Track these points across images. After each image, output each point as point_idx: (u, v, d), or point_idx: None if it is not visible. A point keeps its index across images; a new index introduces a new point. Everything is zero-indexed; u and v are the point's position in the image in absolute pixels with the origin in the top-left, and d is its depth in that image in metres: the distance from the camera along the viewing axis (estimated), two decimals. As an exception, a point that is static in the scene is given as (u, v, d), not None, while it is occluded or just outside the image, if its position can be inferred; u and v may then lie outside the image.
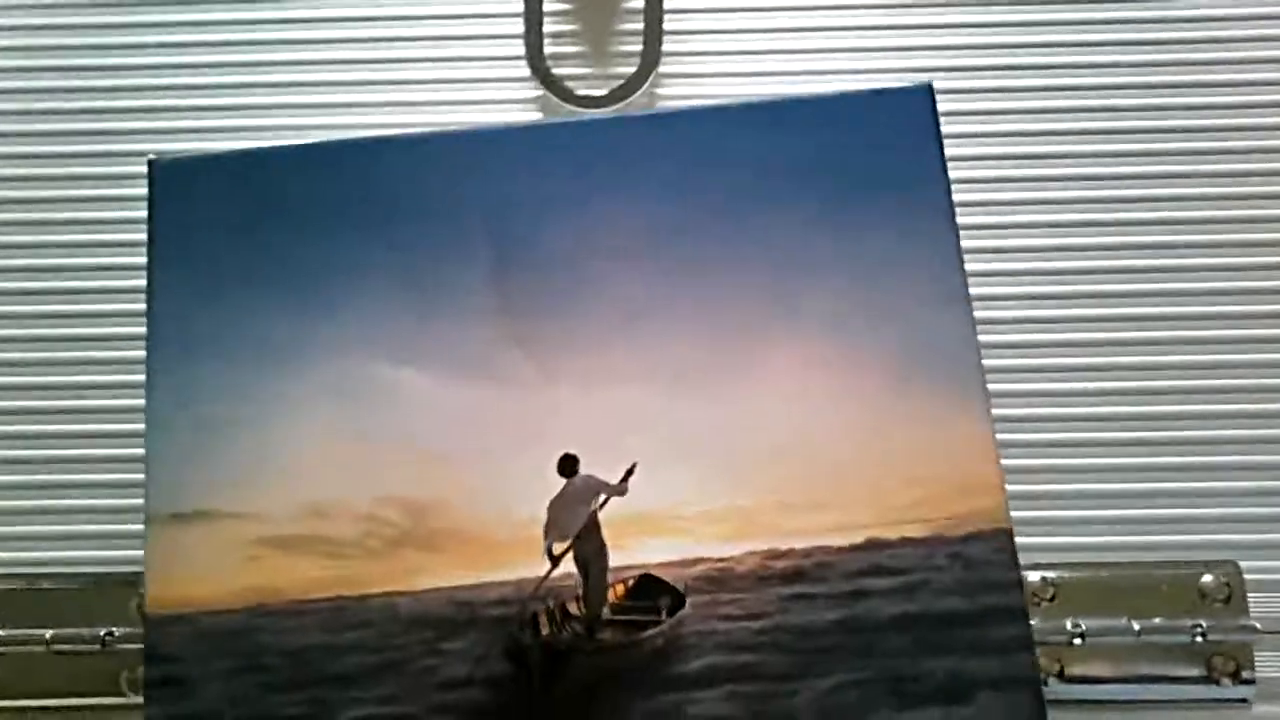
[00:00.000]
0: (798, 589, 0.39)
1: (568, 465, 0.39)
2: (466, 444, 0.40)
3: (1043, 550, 0.48)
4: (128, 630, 0.51)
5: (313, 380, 0.40)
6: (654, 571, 0.39)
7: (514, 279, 0.41)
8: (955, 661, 0.37)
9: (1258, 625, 0.46)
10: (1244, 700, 0.46)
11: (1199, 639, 0.45)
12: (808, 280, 0.40)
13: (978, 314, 0.40)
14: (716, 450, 0.39)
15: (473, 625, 0.39)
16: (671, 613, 0.39)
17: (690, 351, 0.40)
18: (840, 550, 0.39)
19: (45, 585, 0.53)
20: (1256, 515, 0.49)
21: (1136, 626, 0.45)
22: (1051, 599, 0.46)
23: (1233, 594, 0.46)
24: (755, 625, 0.39)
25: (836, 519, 0.39)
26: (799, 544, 0.39)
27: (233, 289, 0.41)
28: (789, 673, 0.38)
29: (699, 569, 0.39)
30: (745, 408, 0.40)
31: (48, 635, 0.52)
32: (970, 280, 0.40)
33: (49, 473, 0.56)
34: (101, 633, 0.51)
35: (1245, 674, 0.45)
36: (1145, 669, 0.45)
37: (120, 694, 0.52)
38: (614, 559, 0.39)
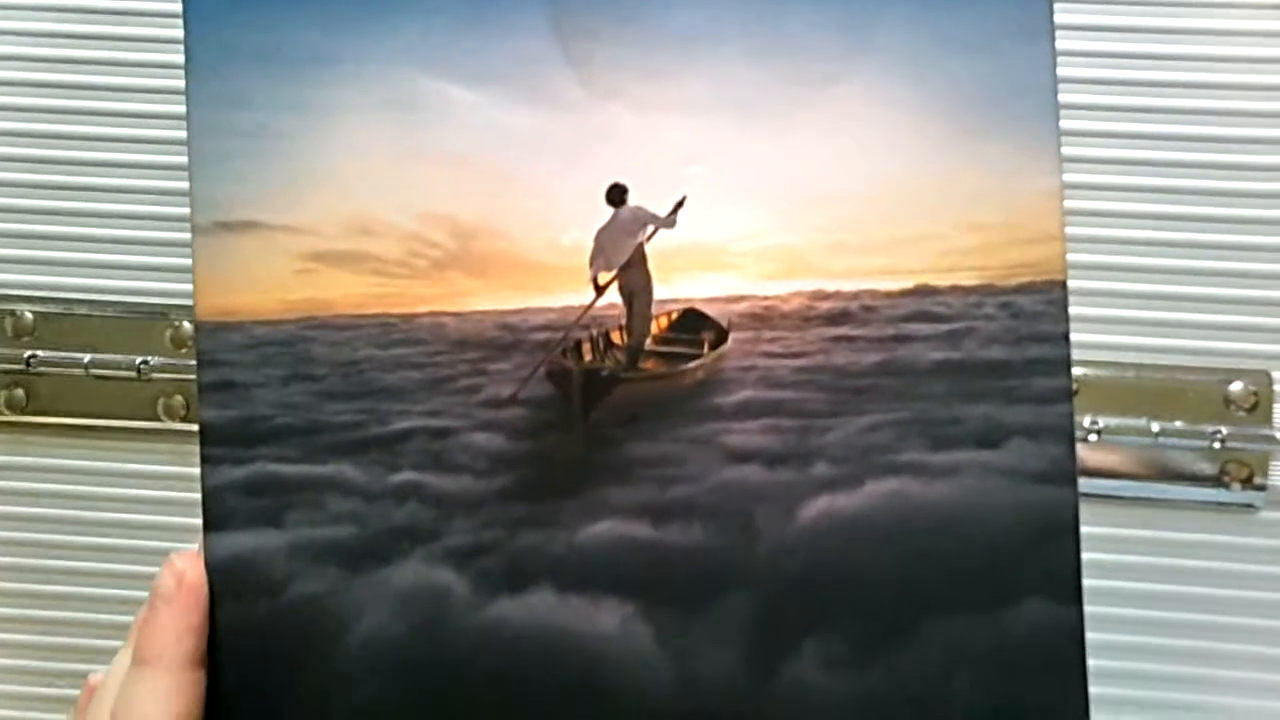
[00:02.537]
0: (841, 330, 0.38)
1: (616, 194, 0.38)
2: (514, 165, 0.38)
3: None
4: (162, 360, 0.53)
5: (358, 91, 0.39)
6: (699, 306, 0.39)
7: (569, -8, 0.38)
8: (992, 408, 0.37)
9: (1278, 435, 0.46)
10: (1251, 506, 0.46)
11: (1216, 444, 0.45)
12: (881, 9, 0.38)
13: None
14: (770, 187, 0.38)
15: (517, 348, 0.39)
16: (714, 347, 0.39)
17: (751, 83, 0.38)
18: (888, 294, 0.38)
19: (81, 311, 0.55)
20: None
21: (1156, 428, 0.44)
22: (1075, 393, 0.46)
23: (1259, 403, 0.45)
24: (795, 363, 0.39)
25: (887, 263, 0.38)
26: (846, 286, 0.38)
27: (271, -8, 0.39)
28: (825, 410, 0.38)
29: (744, 305, 0.38)
30: (804, 145, 0.38)
31: (86, 360, 0.53)
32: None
33: (83, 199, 0.56)
34: (137, 360, 0.52)
35: (1258, 480, 0.45)
36: (1158, 468, 0.45)
37: (156, 418, 0.54)
38: (659, 292, 0.38)
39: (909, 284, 0.38)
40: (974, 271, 0.37)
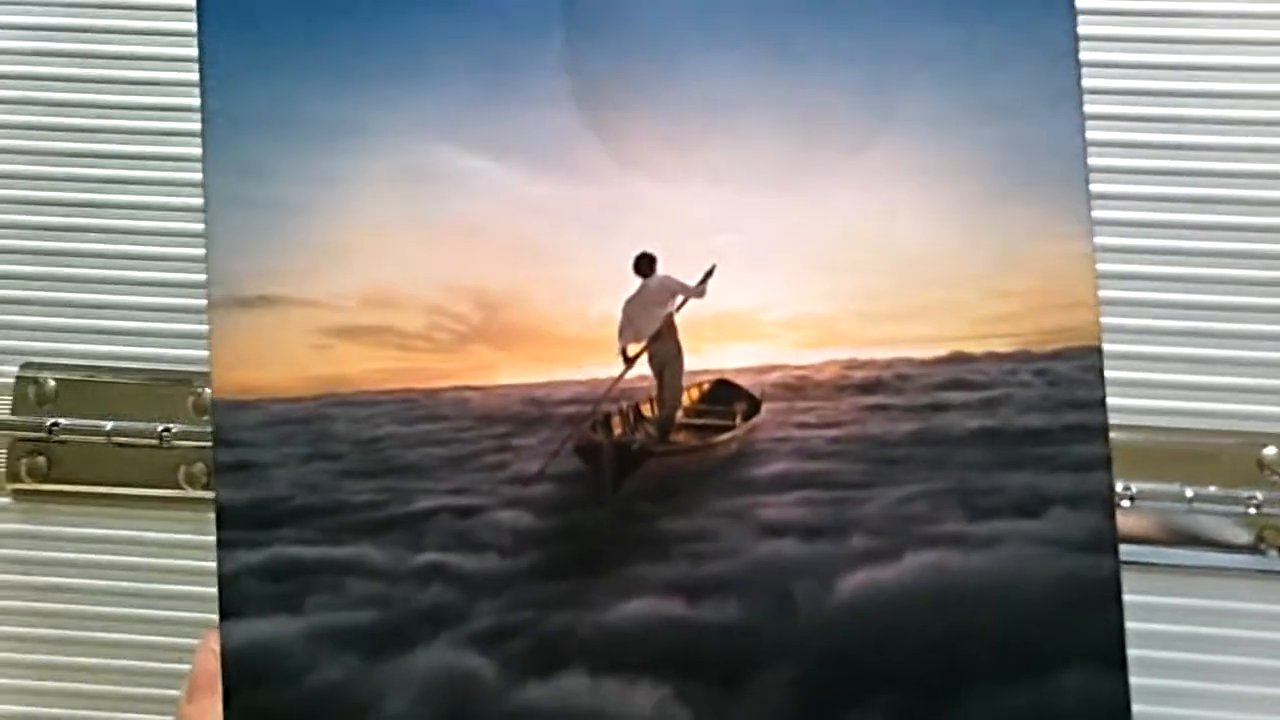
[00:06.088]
0: (876, 399, 0.37)
1: (644, 264, 0.37)
2: (539, 237, 0.37)
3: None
4: (185, 427, 0.52)
5: (376, 163, 0.37)
6: (730, 377, 0.37)
7: (592, 63, 0.38)
8: (1030, 477, 0.36)
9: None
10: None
11: (1252, 510, 0.44)
12: (908, 75, 0.36)
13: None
14: (800, 255, 0.36)
15: (544, 423, 0.38)
16: (746, 418, 0.38)
17: (778, 149, 0.36)
18: (922, 362, 0.36)
19: (105, 379, 0.54)
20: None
21: (1189, 493, 0.44)
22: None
23: None
24: (830, 434, 0.37)
25: (920, 330, 0.36)
26: (880, 354, 0.36)
27: (290, 61, 0.38)
28: (861, 481, 0.36)
29: (776, 375, 0.37)
30: (833, 212, 0.36)
31: (108, 427, 0.52)
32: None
33: (105, 267, 0.56)
34: (159, 428, 0.51)
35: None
36: (1192, 535, 0.44)
37: (178, 486, 0.53)
38: (690, 363, 0.37)
39: (943, 351, 0.37)
40: (1009, 338, 0.37)
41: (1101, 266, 0.46)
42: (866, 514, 0.37)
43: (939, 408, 0.37)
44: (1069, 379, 0.37)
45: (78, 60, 0.55)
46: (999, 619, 0.36)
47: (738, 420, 0.38)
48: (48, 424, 0.52)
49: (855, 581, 0.37)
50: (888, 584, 0.36)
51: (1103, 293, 0.45)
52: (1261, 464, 0.45)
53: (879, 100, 0.37)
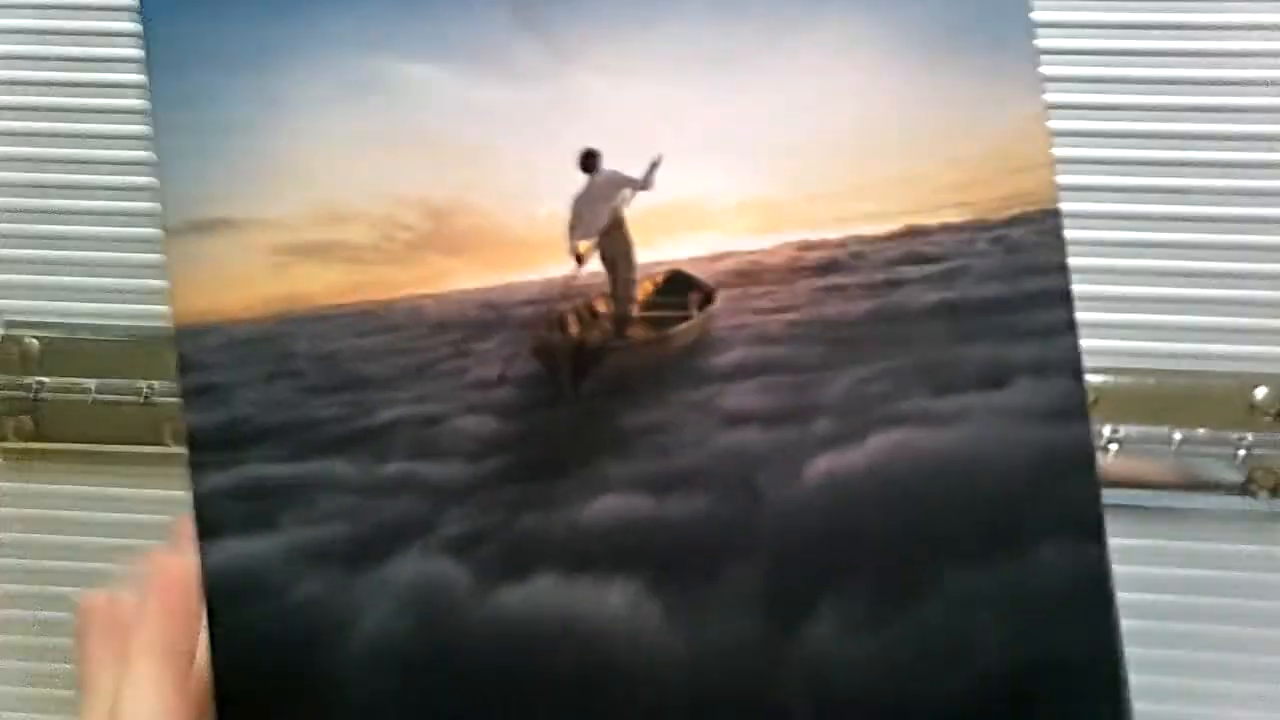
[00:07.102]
0: (831, 280, 0.36)
1: (589, 160, 0.36)
2: (482, 140, 0.36)
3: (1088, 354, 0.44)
4: (168, 384, 0.52)
5: (316, 79, 0.37)
6: (683, 267, 0.37)
7: (523, -43, 0.38)
8: (993, 347, 0.35)
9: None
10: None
11: (1241, 452, 0.43)
12: None
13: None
14: (745, 140, 0.36)
15: (500, 326, 0.37)
16: (702, 308, 0.38)
17: (716, 37, 0.36)
18: (876, 239, 0.36)
19: (86, 336, 0.55)
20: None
21: (1178, 436, 0.43)
22: (1094, 401, 0.43)
23: None
24: (787, 317, 0.36)
25: (872, 206, 0.36)
26: (832, 234, 0.36)
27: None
28: (822, 363, 0.36)
29: (729, 263, 0.36)
30: (776, 95, 0.36)
31: (92, 385, 0.53)
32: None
33: (84, 224, 0.56)
34: (143, 385, 0.52)
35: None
36: (1183, 477, 0.43)
37: (163, 443, 0.54)
38: (641, 256, 0.37)
39: (896, 226, 0.36)
40: (963, 207, 0.36)
41: (1091, 206, 0.45)
42: (828, 397, 0.36)
43: (896, 283, 0.36)
44: (1027, 245, 0.36)
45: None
46: (969, 495, 0.36)
47: (693, 311, 0.37)
48: (32, 384, 0.53)
49: (821, 466, 0.36)
50: (854, 467, 0.36)
51: (1092, 234, 0.45)
52: (1252, 406, 0.43)
53: (814, -26, 0.36)
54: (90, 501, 0.55)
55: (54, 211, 0.55)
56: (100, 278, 0.55)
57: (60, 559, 0.55)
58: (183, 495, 0.54)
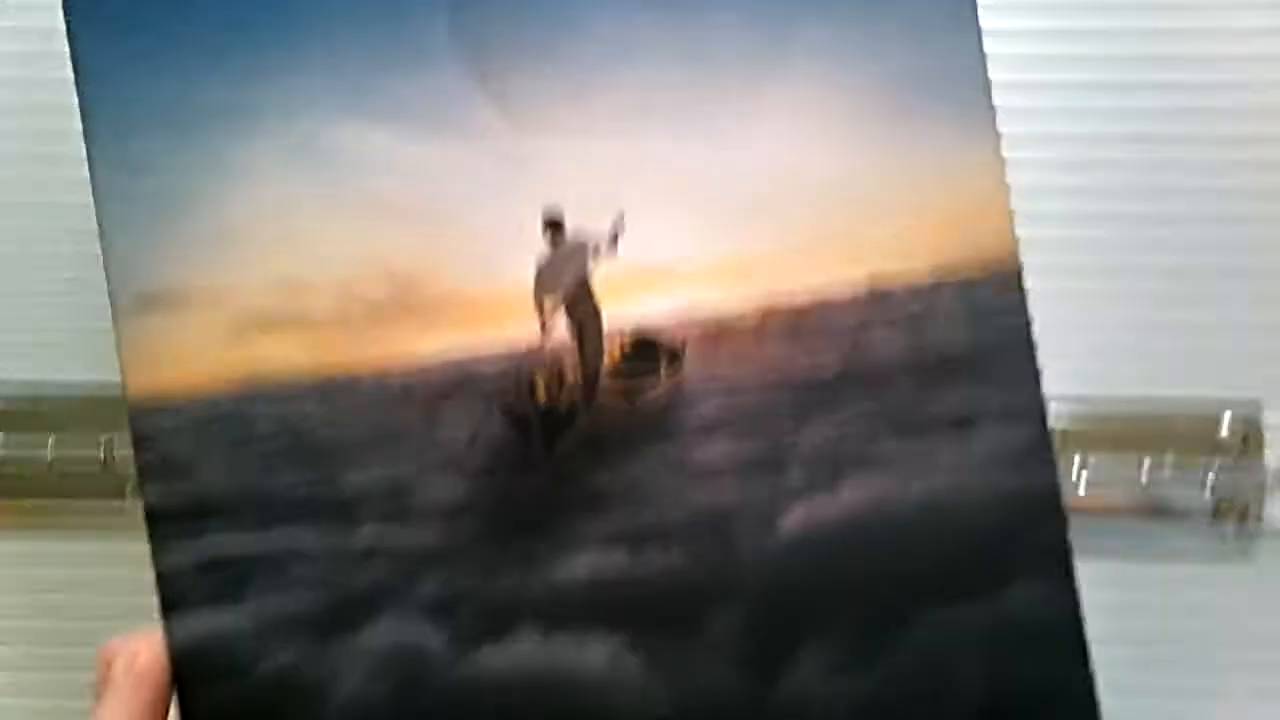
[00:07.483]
0: (799, 335, 0.36)
1: (553, 225, 0.36)
2: (441, 205, 0.36)
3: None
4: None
5: (266, 143, 0.36)
6: (651, 329, 0.37)
7: (478, 22, 0.36)
8: (960, 397, 0.36)
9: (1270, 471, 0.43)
10: (1246, 543, 0.45)
11: (1210, 480, 0.43)
12: (802, 9, 0.36)
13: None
14: (708, 199, 0.36)
15: (468, 389, 0.37)
16: (671, 365, 0.38)
17: (676, 94, 0.35)
18: (841, 294, 0.36)
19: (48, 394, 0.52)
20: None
21: (1146, 464, 0.43)
22: (1062, 435, 0.43)
23: (1250, 437, 0.43)
24: (756, 375, 0.36)
25: (837, 262, 0.36)
26: (799, 289, 0.36)
27: (165, 46, 0.37)
28: (791, 415, 0.36)
29: (697, 323, 0.36)
30: (737, 152, 0.36)
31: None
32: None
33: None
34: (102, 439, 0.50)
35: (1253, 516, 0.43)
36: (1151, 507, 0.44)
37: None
38: (609, 318, 0.37)
39: (862, 281, 0.37)
40: (927, 261, 0.37)
41: (1053, 232, 0.45)
42: (799, 447, 0.37)
43: (863, 337, 0.37)
44: (989, 296, 0.36)
45: None
46: (941, 539, 0.37)
47: (662, 369, 0.37)
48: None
49: (795, 516, 0.37)
50: (828, 515, 0.37)
51: (1055, 258, 0.45)
52: (1218, 434, 0.44)
53: (772, 32, 0.36)
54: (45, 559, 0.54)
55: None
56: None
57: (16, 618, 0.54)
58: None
